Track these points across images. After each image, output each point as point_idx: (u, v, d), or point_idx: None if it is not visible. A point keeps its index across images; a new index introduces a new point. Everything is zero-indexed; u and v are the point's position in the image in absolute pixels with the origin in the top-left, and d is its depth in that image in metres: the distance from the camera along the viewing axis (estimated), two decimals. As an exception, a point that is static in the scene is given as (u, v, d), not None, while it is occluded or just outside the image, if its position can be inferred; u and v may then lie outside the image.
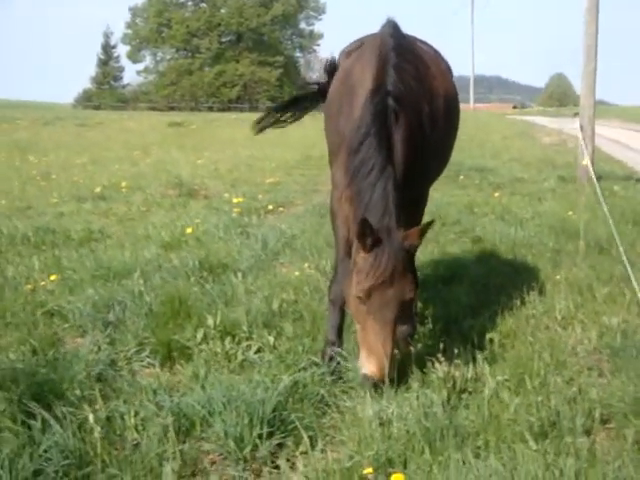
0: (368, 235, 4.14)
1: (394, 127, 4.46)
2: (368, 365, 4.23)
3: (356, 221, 4.30)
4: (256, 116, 7.19)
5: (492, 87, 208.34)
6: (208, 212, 10.64)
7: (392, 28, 5.04)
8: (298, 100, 6.76)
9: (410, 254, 4.38)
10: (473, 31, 70.54)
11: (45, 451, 3.54)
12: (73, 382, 4.32)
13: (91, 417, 3.79)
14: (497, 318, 5.70)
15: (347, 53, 5.65)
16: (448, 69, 5.72)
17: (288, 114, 6.70)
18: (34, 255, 7.78)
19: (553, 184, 13.74)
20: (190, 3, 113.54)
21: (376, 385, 4.24)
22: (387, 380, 4.19)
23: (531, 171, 16.23)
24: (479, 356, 4.84)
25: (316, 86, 6.43)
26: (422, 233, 4.34)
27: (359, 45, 5.49)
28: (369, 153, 4.36)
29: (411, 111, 4.58)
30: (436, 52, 5.67)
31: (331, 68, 5.82)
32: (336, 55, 5.97)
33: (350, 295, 4.34)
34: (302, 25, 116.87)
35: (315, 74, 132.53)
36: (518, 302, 6.02)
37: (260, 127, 6.80)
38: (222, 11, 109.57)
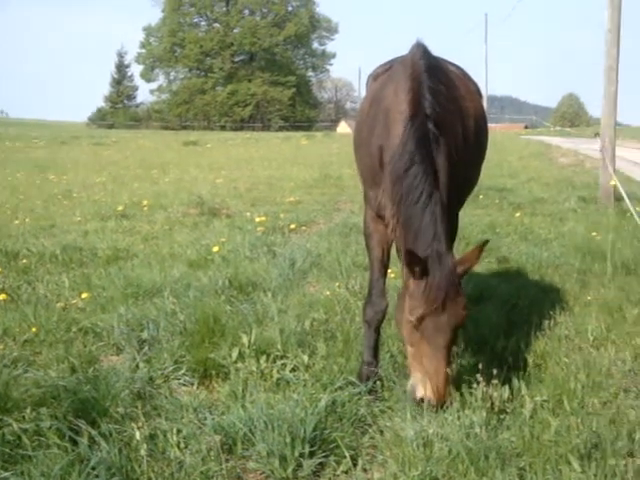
0: (416, 264, 4.16)
1: (436, 152, 4.48)
2: (423, 389, 4.23)
3: (406, 247, 4.33)
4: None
5: (504, 107, 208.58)
6: (232, 231, 10.69)
7: (422, 50, 5.06)
8: None
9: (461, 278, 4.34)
10: (487, 51, 70.52)
11: (93, 468, 3.56)
12: (115, 399, 4.36)
13: (137, 434, 3.83)
14: (530, 338, 5.71)
15: (375, 76, 5.68)
16: (477, 90, 5.76)
17: None
18: (63, 273, 7.88)
19: (574, 204, 13.71)
20: (204, 23, 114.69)
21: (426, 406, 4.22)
22: (441, 404, 4.19)
23: (550, 191, 16.21)
24: (515, 377, 4.84)
25: None
26: (480, 252, 4.34)
27: (388, 68, 5.52)
28: (416, 180, 4.37)
29: (449, 134, 4.61)
30: (464, 73, 5.70)
31: None
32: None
33: (403, 319, 4.34)
34: (315, 45, 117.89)
35: (327, 94, 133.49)
36: (549, 322, 6.03)
37: None
38: (235, 31, 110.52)
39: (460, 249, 8.73)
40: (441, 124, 4.53)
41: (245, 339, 5.33)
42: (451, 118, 4.72)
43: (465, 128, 4.99)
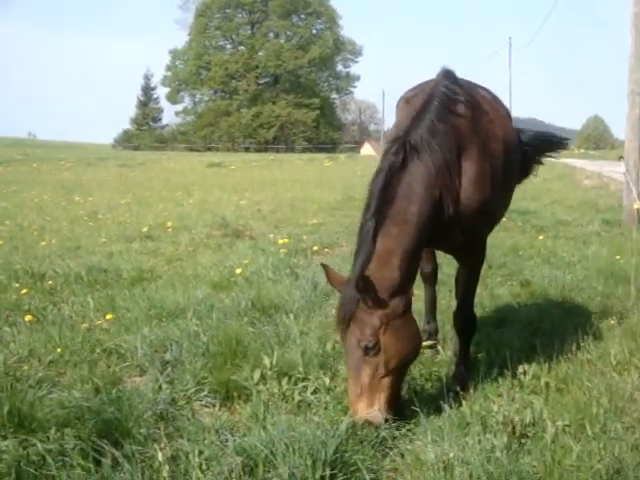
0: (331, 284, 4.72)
1: (407, 175, 4.59)
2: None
3: None
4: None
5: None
6: (255, 253, 10.74)
7: (445, 76, 5.15)
8: None
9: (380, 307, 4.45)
10: (511, 74, 70.63)
11: (116, 489, 3.60)
12: (138, 420, 4.39)
13: (160, 455, 3.86)
14: (552, 362, 5.68)
15: (406, 100, 5.79)
16: (507, 114, 5.80)
17: None
18: (88, 294, 7.94)
19: (597, 227, 13.65)
20: (229, 46, 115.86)
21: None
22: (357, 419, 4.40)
23: (574, 214, 16.16)
24: (537, 401, 4.84)
25: None
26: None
27: (418, 92, 5.62)
28: (367, 203, 4.61)
29: (440, 158, 4.66)
30: (495, 98, 5.76)
31: None
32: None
33: None
34: (339, 67, 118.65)
35: (351, 115, 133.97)
36: (571, 346, 5.99)
37: None
38: (260, 54, 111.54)
39: (482, 272, 8.72)
40: (422, 148, 4.63)
41: (267, 361, 5.35)
42: (456, 141, 4.79)
43: (492, 152, 5.05)
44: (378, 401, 4.44)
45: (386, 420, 4.43)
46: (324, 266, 4.74)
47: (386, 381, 4.46)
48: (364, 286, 4.35)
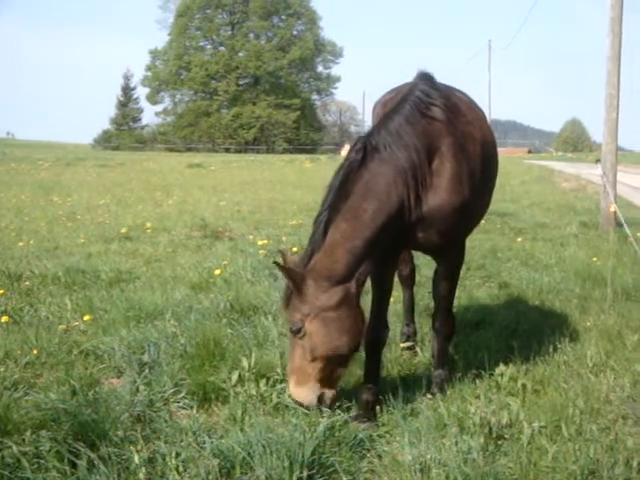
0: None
1: (366, 173, 4.61)
2: None
3: None
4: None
5: (507, 131, 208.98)
6: (234, 254, 10.72)
7: (421, 79, 5.17)
8: None
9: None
10: (490, 77, 71.17)
11: (92, 491, 3.58)
12: (115, 423, 4.37)
13: (136, 458, 3.84)
14: (529, 364, 5.73)
15: (382, 103, 5.81)
16: (484, 117, 5.83)
17: None
18: (65, 295, 7.89)
19: (575, 230, 13.78)
20: (209, 47, 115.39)
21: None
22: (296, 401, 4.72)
23: (552, 216, 16.29)
24: (513, 402, 4.87)
25: None
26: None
27: (394, 95, 5.64)
28: (325, 196, 4.73)
29: (404, 159, 4.66)
30: (471, 101, 5.78)
31: None
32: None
33: None
34: (319, 68, 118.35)
35: (331, 117, 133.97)
36: (548, 348, 6.06)
37: None
38: (240, 54, 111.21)
39: (461, 274, 8.76)
40: (381, 147, 4.67)
41: (245, 362, 5.34)
42: (425, 142, 4.79)
43: (470, 154, 5.06)
44: (308, 382, 4.64)
45: (318, 400, 4.63)
46: (281, 252, 4.94)
47: (316, 365, 4.62)
48: (289, 275, 4.64)
